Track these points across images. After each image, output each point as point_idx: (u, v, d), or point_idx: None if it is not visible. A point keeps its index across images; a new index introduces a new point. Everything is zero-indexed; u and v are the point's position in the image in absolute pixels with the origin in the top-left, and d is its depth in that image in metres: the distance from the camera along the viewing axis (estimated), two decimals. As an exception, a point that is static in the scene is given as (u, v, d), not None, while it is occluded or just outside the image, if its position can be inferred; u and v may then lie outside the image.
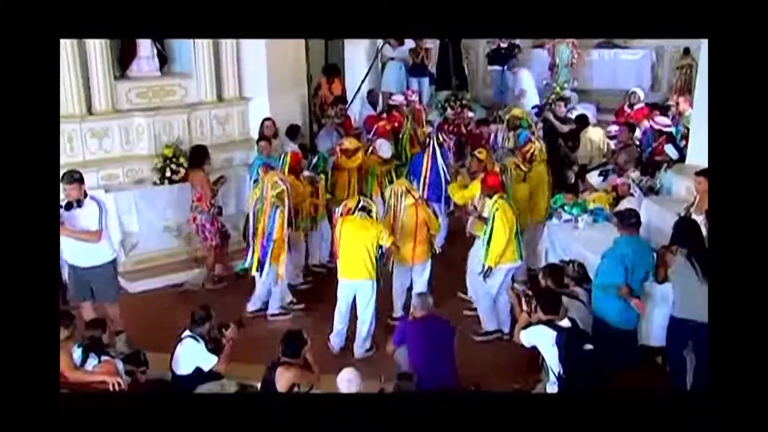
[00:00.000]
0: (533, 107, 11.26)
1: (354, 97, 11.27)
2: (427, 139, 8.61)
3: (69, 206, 5.90)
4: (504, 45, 12.52)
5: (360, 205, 6.56)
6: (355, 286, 6.66)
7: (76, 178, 6.04)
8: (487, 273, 6.70)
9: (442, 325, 5.97)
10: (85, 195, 6.07)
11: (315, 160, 8.20)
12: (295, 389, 5.12)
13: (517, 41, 12.62)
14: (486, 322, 6.98)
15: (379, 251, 6.58)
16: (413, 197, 6.82)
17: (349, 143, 8.40)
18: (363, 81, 11.46)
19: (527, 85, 12.10)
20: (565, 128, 10.47)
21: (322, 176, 8.04)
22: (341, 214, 6.67)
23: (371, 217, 6.57)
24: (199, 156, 7.94)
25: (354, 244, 6.53)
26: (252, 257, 7.01)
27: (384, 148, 8.77)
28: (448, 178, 8.23)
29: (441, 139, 8.53)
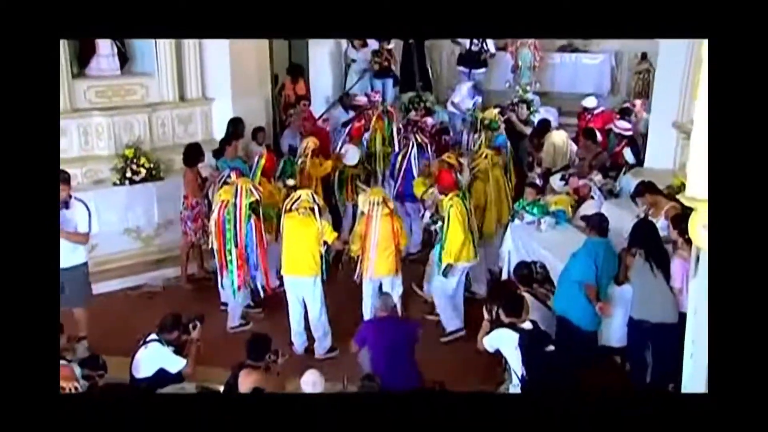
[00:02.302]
0: (495, 106, 11.36)
1: (333, 104, 11.14)
2: (403, 140, 8.57)
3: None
4: (476, 48, 12.58)
5: (299, 202, 6.49)
6: (300, 283, 6.63)
7: (64, 177, 5.89)
8: (446, 271, 6.76)
9: (403, 325, 6.00)
10: (69, 196, 5.95)
11: (282, 165, 8.09)
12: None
13: (488, 44, 12.67)
14: (447, 323, 7.02)
15: (325, 247, 6.57)
16: (388, 208, 6.66)
17: (311, 146, 8.19)
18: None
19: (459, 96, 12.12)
20: (528, 130, 10.59)
21: (291, 181, 7.99)
22: (284, 211, 6.64)
23: (313, 213, 6.51)
24: (191, 154, 7.81)
25: (296, 240, 6.52)
26: (232, 277, 6.75)
27: (350, 154, 8.68)
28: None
29: (419, 139, 8.45)
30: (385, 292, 6.20)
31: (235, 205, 6.65)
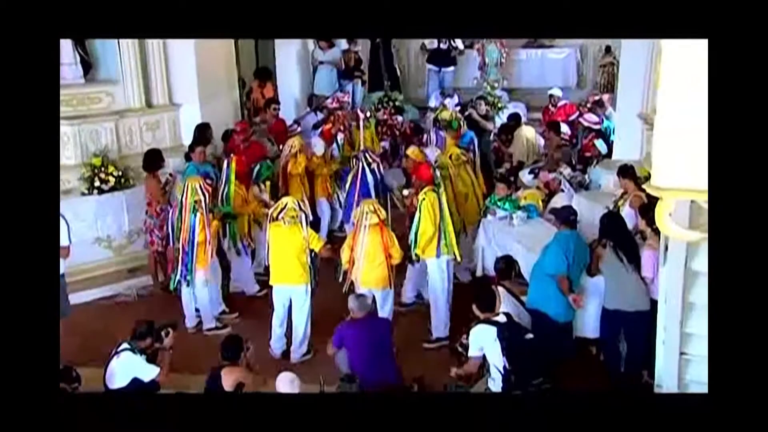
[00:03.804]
0: (456, 105, 11.47)
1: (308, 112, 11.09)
2: (354, 160, 8.15)
3: None
4: (444, 46, 12.64)
5: (285, 210, 6.46)
6: (289, 291, 6.62)
7: None
8: (413, 261, 6.82)
9: (379, 324, 6.00)
10: None
11: (258, 168, 8.03)
12: (242, 390, 5.17)
13: (457, 42, 12.73)
14: (436, 327, 6.90)
15: (312, 254, 6.54)
16: (378, 218, 6.50)
17: (296, 146, 8.29)
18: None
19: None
20: (489, 125, 10.68)
21: (267, 183, 7.94)
22: (269, 220, 6.62)
23: (298, 221, 6.50)
24: (151, 160, 7.79)
25: (283, 249, 6.50)
26: (176, 269, 6.93)
27: (318, 146, 8.74)
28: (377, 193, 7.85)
29: (369, 159, 7.94)
30: (361, 294, 6.15)
31: (181, 203, 6.84)
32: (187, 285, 6.98)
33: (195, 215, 6.78)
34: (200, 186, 6.84)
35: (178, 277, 6.98)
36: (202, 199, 6.79)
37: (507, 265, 6.27)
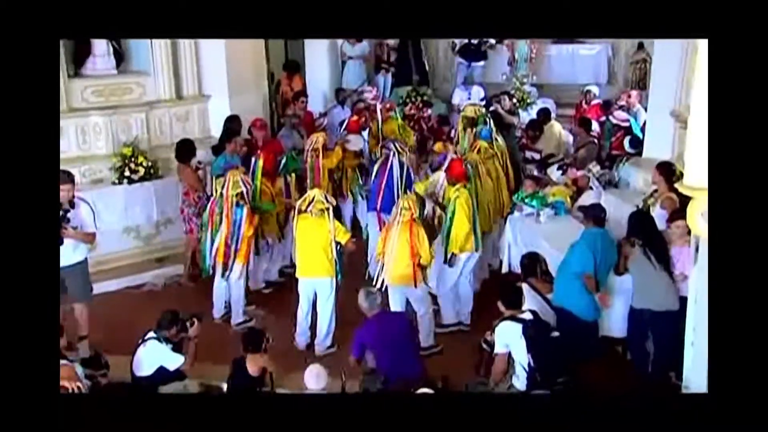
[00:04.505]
0: (481, 99, 11.41)
1: (335, 105, 11.08)
2: (384, 150, 8.04)
3: (64, 207, 5.77)
4: (475, 41, 12.58)
5: (313, 203, 6.47)
6: (314, 284, 6.64)
7: (69, 177, 5.90)
8: (451, 260, 6.74)
9: (397, 318, 5.97)
10: (73, 196, 5.96)
11: (284, 160, 8.01)
12: (267, 377, 5.39)
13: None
14: (445, 316, 7.00)
15: (338, 248, 6.54)
16: (410, 215, 6.36)
17: (320, 141, 8.18)
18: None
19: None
20: (515, 119, 10.61)
21: (293, 175, 7.93)
22: (297, 212, 6.63)
23: (326, 214, 6.50)
24: (184, 150, 7.84)
25: (310, 242, 6.50)
26: (213, 258, 6.90)
27: (354, 141, 8.68)
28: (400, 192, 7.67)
29: (399, 148, 7.82)
30: (371, 291, 6.04)
31: (221, 195, 6.80)
32: (223, 277, 6.97)
33: (241, 209, 6.76)
34: (242, 179, 6.84)
35: (219, 268, 6.92)
36: (244, 191, 6.79)
37: (531, 262, 6.22)
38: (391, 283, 6.46)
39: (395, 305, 6.52)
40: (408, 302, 6.58)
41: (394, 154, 7.70)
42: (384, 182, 7.63)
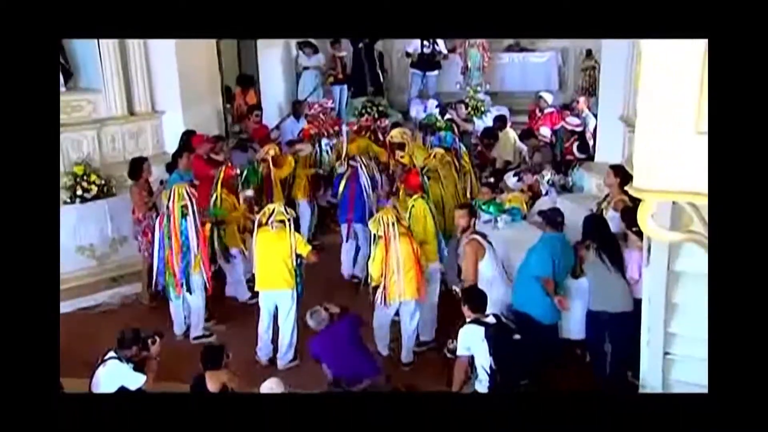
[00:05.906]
0: (436, 107, 11.59)
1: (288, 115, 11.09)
2: (351, 162, 8.17)
3: None
4: (428, 50, 12.69)
5: (273, 216, 6.47)
6: (275, 297, 6.62)
7: None
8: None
9: (343, 323, 5.99)
10: None
11: (245, 173, 8.03)
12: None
13: (440, 46, 12.78)
14: (422, 330, 6.89)
15: (298, 261, 6.53)
16: (403, 227, 6.42)
17: (271, 152, 8.27)
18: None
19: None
20: (469, 126, 10.78)
21: (249, 191, 7.90)
22: (257, 226, 6.61)
23: (286, 225, 6.49)
24: (134, 169, 7.73)
25: (270, 254, 6.49)
26: (164, 277, 6.82)
27: (304, 148, 8.91)
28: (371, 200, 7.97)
29: (365, 161, 8.08)
30: (315, 311, 6.02)
31: (167, 207, 6.74)
32: (188, 291, 6.87)
33: (185, 220, 6.70)
34: (186, 191, 6.78)
35: (175, 283, 6.81)
36: (189, 204, 6.72)
37: None
38: (403, 298, 6.43)
39: (382, 325, 6.65)
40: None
41: (361, 167, 7.93)
42: (354, 194, 7.83)
